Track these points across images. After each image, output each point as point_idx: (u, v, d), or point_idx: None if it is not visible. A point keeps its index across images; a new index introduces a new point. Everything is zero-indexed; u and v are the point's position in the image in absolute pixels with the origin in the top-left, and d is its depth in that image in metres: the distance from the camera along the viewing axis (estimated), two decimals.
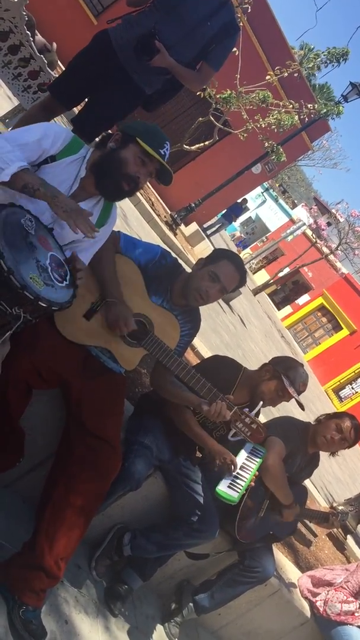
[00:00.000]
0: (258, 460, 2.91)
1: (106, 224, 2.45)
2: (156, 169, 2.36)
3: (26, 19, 4.42)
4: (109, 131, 2.55)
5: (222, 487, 2.72)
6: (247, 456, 2.92)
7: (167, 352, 2.55)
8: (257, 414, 3.08)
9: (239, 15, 9.23)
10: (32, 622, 2.15)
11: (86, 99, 3.53)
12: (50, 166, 2.24)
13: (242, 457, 2.90)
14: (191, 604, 3.23)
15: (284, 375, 2.98)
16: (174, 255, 2.89)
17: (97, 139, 2.59)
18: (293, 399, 3.03)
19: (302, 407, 3.05)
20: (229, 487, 2.74)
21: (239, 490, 2.73)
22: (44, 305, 1.87)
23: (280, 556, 3.99)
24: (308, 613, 3.74)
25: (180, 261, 2.88)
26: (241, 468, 2.83)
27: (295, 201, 42.68)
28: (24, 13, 4.35)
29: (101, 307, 2.49)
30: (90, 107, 3.49)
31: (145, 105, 3.60)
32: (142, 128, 2.36)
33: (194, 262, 2.84)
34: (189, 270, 2.87)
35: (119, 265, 2.57)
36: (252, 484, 2.83)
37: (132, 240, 2.74)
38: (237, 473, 2.80)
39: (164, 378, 2.76)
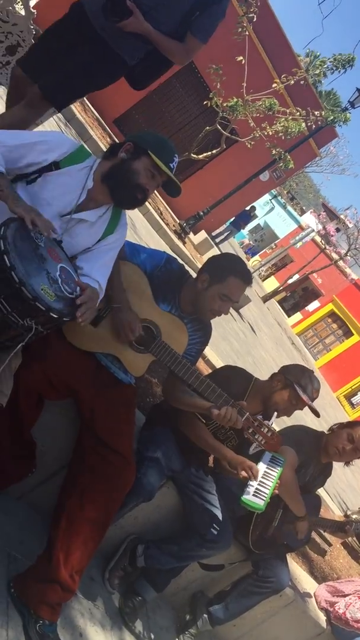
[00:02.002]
0: (279, 468, 2.88)
1: (115, 232, 2.44)
2: (163, 181, 2.38)
3: (34, 32, 4.46)
4: (117, 141, 2.50)
5: (248, 496, 2.69)
6: (268, 464, 2.89)
7: (175, 358, 2.54)
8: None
9: (244, 25, 9.29)
10: (50, 636, 2.15)
11: (58, 66, 3.11)
12: (54, 174, 2.23)
13: (262, 466, 2.87)
14: (205, 615, 3.21)
15: (296, 383, 2.96)
16: (180, 261, 2.88)
17: (105, 149, 2.56)
18: (306, 407, 3.01)
19: (317, 414, 3.02)
20: (254, 495, 2.70)
21: (264, 499, 2.69)
22: (55, 316, 1.88)
23: (295, 566, 3.95)
24: (324, 624, 3.70)
25: (187, 268, 2.87)
26: (263, 476, 2.80)
27: (304, 208, 42.66)
28: (32, 27, 4.39)
29: (108, 313, 2.49)
30: (63, 74, 3.09)
31: (131, 82, 3.33)
32: (153, 141, 2.37)
33: (199, 267, 2.82)
34: (194, 274, 2.85)
35: (124, 272, 2.57)
36: (276, 491, 2.80)
37: (137, 246, 2.74)
38: (260, 481, 2.76)
39: (175, 387, 2.75)
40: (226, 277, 2.68)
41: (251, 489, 2.71)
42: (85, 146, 2.46)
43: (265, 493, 2.70)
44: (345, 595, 3.77)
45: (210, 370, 4.42)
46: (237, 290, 2.69)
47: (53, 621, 2.20)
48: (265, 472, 2.81)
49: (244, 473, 2.67)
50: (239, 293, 2.71)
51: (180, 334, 2.64)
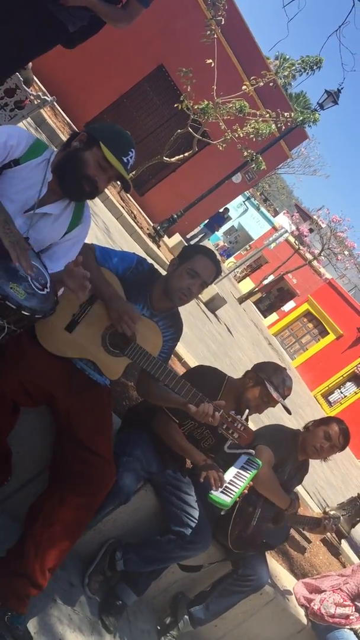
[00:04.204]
0: (253, 470, 2.91)
1: (80, 225, 2.42)
2: (116, 175, 2.31)
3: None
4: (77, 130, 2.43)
5: (215, 492, 2.72)
6: (243, 466, 2.92)
7: (150, 360, 2.55)
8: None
9: (213, 28, 9.34)
10: (18, 627, 2.15)
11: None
12: (14, 170, 2.20)
13: (237, 466, 2.90)
14: (187, 617, 3.21)
15: (267, 380, 2.98)
16: (150, 261, 2.89)
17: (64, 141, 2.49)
18: (279, 404, 3.03)
19: (288, 411, 3.06)
20: (222, 492, 2.73)
21: (231, 496, 2.72)
22: (27, 314, 1.87)
23: (275, 564, 3.98)
24: (304, 620, 3.73)
25: (163, 272, 2.88)
26: (235, 476, 2.83)
27: (277, 209, 42.91)
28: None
29: (83, 318, 2.49)
30: (6, 51, 2.99)
31: (65, 44, 3.22)
32: (108, 132, 2.32)
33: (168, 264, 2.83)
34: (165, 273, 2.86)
35: None
36: (246, 491, 2.83)
37: (108, 250, 2.75)
38: (231, 480, 2.80)
39: (150, 383, 2.76)
40: (193, 255, 2.73)
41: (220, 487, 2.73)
42: (42, 139, 2.43)
43: (233, 491, 2.73)
44: (321, 592, 3.81)
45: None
46: (204, 266, 2.70)
47: (22, 613, 2.19)
48: (238, 472, 2.84)
49: (205, 476, 2.70)
50: (206, 271, 2.70)
51: (155, 337, 2.66)
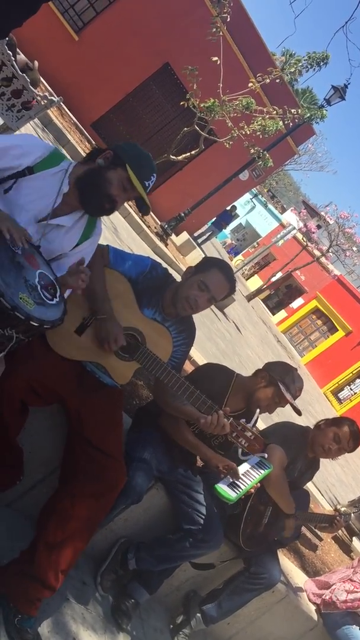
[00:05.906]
0: (263, 472, 2.90)
1: (92, 237, 2.43)
2: (135, 197, 2.34)
3: (7, 39, 4.45)
4: (95, 144, 2.45)
5: (222, 485, 2.71)
6: (253, 466, 2.91)
7: (160, 365, 2.53)
8: (255, 422, 3.08)
9: (218, 25, 9.32)
10: (28, 630, 2.16)
11: None
12: (29, 179, 2.20)
13: (247, 465, 2.89)
14: (199, 615, 3.21)
15: (280, 381, 2.97)
16: (164, 265, 2.87)
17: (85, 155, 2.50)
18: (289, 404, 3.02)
19: (298, 412, 3.04)
20: (229, 486, 2.72)
21: (238, 492, 2.71)
22: (36, 324, 1.87)
23: (287, 562, 3.97)
24: (316, 617, 3.72)
25: (171, 270, 2.87)
26: (244, 474, 2.82)
27: (285, 206, 42.81)
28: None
29: (92, 322, 2.49)
30: None
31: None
32: (134, 155, 2.33)
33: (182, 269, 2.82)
34: (178, 277, 2.85)
35: (108, 280, 2.56)
36: (252, 491, 2.82)
37: (122, 253, 2.73)
38: (240, 478, 2.79)
39: (165, 392, 2.74)
40: (210, 268, 2.69)
41: (228, 481, 2.73)
42: (60, 149, 2.45)
43: (240, 488, 2.72)
44: (331, 586, 3.82)
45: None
46: (217, 283, 2.66)
47: (32, 616, 2.20)
48: (247, 471, 2.83)
49: (221, 468, 2.69)
50: (218, 287, 2.66)
51: (165, 342, 2.63)
